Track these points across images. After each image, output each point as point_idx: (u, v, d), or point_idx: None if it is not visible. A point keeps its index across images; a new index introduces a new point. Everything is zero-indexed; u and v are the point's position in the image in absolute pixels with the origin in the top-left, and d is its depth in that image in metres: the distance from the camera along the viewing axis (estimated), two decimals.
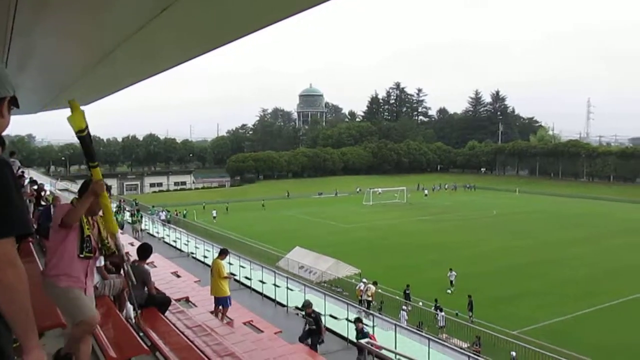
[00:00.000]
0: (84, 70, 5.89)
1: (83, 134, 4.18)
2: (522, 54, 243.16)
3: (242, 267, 20.76)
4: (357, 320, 13.42)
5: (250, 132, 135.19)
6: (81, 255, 4.39)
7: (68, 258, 4.35)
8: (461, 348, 19.04)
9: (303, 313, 13.44)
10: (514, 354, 19.69)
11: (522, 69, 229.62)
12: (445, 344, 16.91)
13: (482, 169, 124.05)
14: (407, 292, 27.80)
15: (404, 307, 24.50)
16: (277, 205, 75.13)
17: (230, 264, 19.12)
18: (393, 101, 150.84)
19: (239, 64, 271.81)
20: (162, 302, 7.42)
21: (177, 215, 54.77)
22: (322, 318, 13.68)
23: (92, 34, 4.17)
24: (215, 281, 12.18)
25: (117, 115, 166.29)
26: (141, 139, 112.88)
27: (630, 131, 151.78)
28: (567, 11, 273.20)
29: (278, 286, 18.13)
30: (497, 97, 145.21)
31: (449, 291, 30.10)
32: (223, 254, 13.28)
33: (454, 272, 31.57)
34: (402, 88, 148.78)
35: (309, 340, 12.71)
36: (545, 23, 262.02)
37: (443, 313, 24.12)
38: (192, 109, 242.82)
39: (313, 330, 12.84)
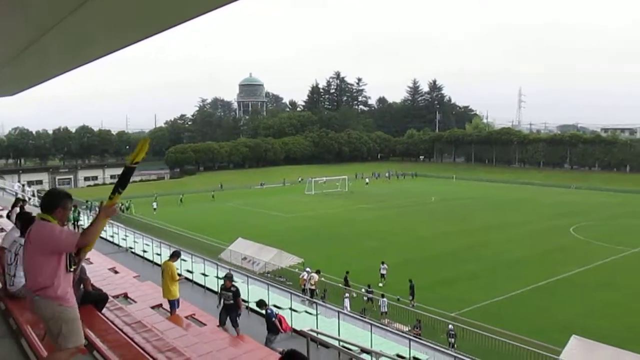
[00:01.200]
0: (7, 60, 5.60)
1: (134, 166, 4.27)
2: (457, 46, 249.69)
3: (184, 260, 20.42)
4: (261, 304, 12.86)
5: (190, 123, 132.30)
6: (70, 270, 4.33)
7: (64, 276, 4.27)
8: (402, 332, 19.60)
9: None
10: (451, 326, 20.51)
11: (457, 60, 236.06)
12: (388, 328, 17.33)
13: (421, 157, 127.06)
14: (346, 278, 28.19)
15: (347, 295, 24.94)
16: (218, 197, 74.14)
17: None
18: (333, 90, 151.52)
19: (175, 52, 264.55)
20: (98, 299, 7.21)
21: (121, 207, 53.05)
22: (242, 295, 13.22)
23: (13, 24, 3.98)
24: (166, 284, 11.81)
25: (44, 105, 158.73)
26: (74, 130, 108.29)
27: (558, 119, 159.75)
28: (500, 5, 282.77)
29: (220, 279, 17.95)
30: (434, 87, 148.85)
31: (380, 285, 29.34)
32: (175, 256, 12.85)
33: (385, 265, 30.57)
34: (342, 78, 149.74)
35: (228, 320, 12.10)
36: (480, 16, 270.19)
37: (385, 299, 24.73)
38: (127, 99, 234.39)
39: (230, 306, 12.19)
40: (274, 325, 12.28)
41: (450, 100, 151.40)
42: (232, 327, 11.95)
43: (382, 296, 25.22)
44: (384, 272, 30.42)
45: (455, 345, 19.78)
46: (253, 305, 13.97)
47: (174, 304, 11.74)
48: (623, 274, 32.21)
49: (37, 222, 4.36)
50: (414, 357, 13.25)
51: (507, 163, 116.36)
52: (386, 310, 24.26)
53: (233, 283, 12.73)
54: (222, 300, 12.43)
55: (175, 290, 11.85)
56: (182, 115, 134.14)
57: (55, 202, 4.37)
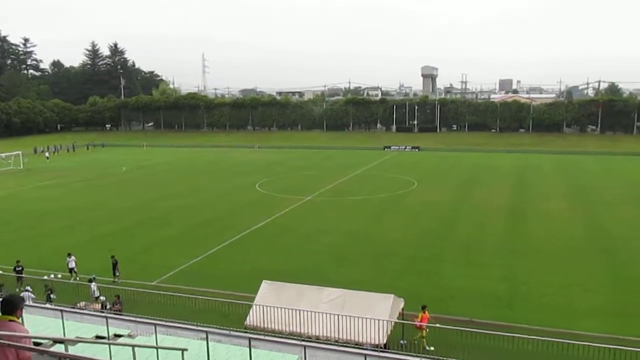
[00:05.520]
0: None
1: None
2: (137, 5, 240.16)
3: None
4: None
5: None
6: None
7: None
8: (101, 310, 18.56)
9: None
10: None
11: (141, 20, 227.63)
12: (84, 311, 16.15)
13: (107, 126, 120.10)
14: (17, 268, 24.37)
15: (28, 288, 21.63)
16: None
17: None
18: None
19: None
20: None
21: None
22: None
23: None
24: None
25: None
26: None
27: (240, 83, 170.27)
28: None
29: None
30: (115, 50, 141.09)
31: (72, 281, 24.35)
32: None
33: (73, 258, 25.77)
34: (4, 37, 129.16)
35: None
36: None
37: (94, 283, 22.54)
38: None
39: None
40: None
41: (134, 65, 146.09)
42: None
43: (91, 280, 22.76)
44: (72, 265, 25.56)
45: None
46: None
47: None
48: (301, 220, 36.86)
49: None
50: (114, 335, 12.68)
51: (196, 127, 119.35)
52: (99, 294, 21.91)
53: None
54: None
55: None
56: None
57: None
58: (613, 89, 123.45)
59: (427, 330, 17.27)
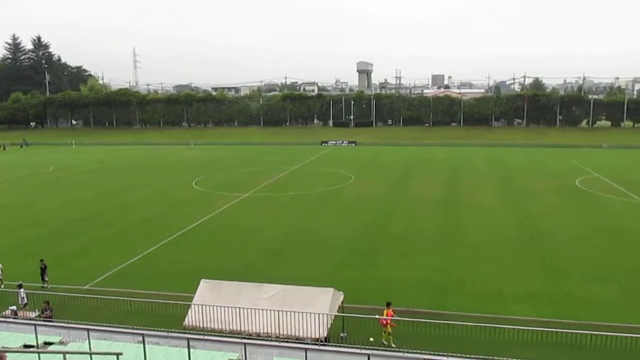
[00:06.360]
0: None
1: None
2: None
3: None
4: None
5: None
6: None
7: None
8: (30, 318, 17.71)
9: None
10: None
11: (61, 14, 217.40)
12: (10, 319, 15.34)
13: (32, 123, 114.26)
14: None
15: None
16: None
17: None
18: None
19: None
20: None
21: None
22: None
23: None
24: None
25: None
26: None
27: (174, 79, 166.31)
28: None
29: None
30: (39, 44, 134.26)
31: None
32: None
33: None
34: None
35: None
36: None
37: (23, 289, 21.18)
38: None
39: None
40: None
41: (60, 59, 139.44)
42: None
43: (19, 286, 21.39)
44: None
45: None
46: None
47: None
48: (239, 217, 36.54)
49: None
50: (44, 343, 12.14)
51: (129, 124, 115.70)
52: (27, 301, 20.66)
53: None
54: None
55: None
56: None
57: None
58: (537, 84, 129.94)
59: (394, 326, 17.12)
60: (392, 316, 17.26)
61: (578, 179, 49.75)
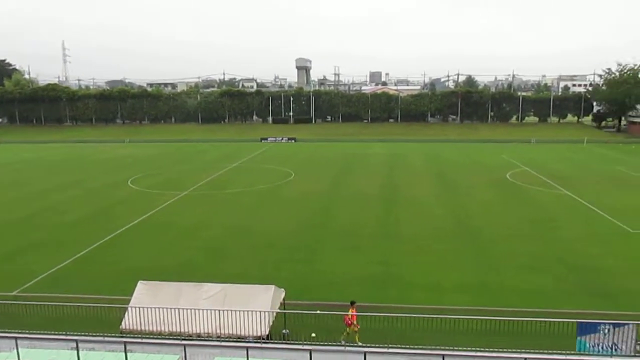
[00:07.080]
0: None
1: None
2: None
3: None
4: None
5: None
6: None
7: None
8: None
9: None
10: None
11: None
12: None
13: None
14: None
15: None
16: None
17: None
18: None
19: None
20: None
21: None
22: None
23: None
24: None
25: None
26: None
27: (106, 74, 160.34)
28: None
29: None
30: None
31: None
32: None
33: None
34: None
35: None
36: None
37: None
38: None
39: None
40: None
41: None
42: None
43: None
44: None
45: None
46: None
47: None
48: (177, 215, 35.73)
49: None
50: None
51: (58, 121, 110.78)
52: None
53: None
54: None
55: None
56: None
57: None
58: (470, 81, 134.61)
59: (358, 325, 16.86)
60: (355, 316, 16.81)
61: (509, 173, 51.94)
